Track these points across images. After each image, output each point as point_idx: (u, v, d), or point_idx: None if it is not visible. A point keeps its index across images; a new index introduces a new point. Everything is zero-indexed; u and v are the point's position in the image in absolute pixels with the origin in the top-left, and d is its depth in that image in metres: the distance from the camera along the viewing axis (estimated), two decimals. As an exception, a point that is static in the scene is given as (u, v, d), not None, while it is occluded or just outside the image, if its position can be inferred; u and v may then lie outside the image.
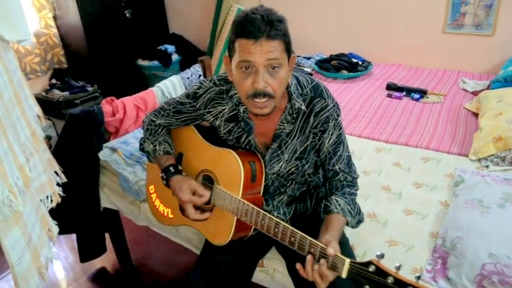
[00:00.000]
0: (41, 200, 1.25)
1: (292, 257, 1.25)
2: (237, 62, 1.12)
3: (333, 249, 0.99)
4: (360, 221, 1.32)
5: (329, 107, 1.25)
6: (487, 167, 1.86)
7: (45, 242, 1.18)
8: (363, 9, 3.43)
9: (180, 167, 1.39)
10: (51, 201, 1.33)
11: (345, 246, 1.34)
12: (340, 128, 1.30)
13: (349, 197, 1.29)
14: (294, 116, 1.26)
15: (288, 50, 1.13)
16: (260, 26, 1.06)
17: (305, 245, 1.05)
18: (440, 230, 1.46)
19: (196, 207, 1.32)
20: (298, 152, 1.31)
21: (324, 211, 1.26)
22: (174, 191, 1.33)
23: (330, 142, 1.28)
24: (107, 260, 2.35)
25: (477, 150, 1.92)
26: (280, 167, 1.32)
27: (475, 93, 2.64)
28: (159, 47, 4.05)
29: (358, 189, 1.35)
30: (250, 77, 1.11)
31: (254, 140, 1.31)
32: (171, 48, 4.09)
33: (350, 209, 1.26)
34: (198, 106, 1.35)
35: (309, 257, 1.04)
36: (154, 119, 1.46)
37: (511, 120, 1.92)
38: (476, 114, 2.32)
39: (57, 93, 3.38)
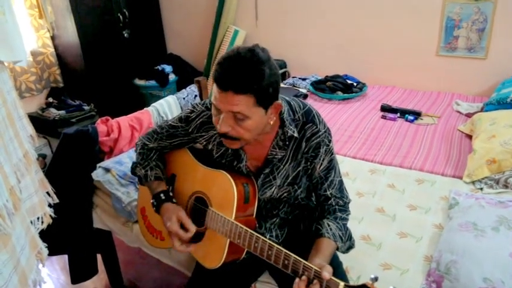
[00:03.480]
0: (31, 222, 1.23)
1: (285, 281, 1.23)
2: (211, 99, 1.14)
3: (328, 273, 0.99)
4: (350, 247, 1.31)
5: (320, 133, 1.25)
6: (481, 189, 1.86)
7: (34, 265, 1.16)
8: (358, 32, 3.48)
9: (171, 194, 1.38)
10: (42, 222, 1.32)
11: (338, 270, 1.33)
12: (332, 154, 1.29)
13: (340, 222, 1.28)
14: (286, 142, 1.26)
15: (263, 102, 1.10)
16: (229, 79, 1.05)
17: (299, 268, 1.04)
18: (435, 253, 1.45)
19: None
20: (290, 178, 1.30)
21: (314, 234, 1.25)
22: (163, 219, 1.32)
23: (322, 167, 1.28)
24: (99, 281, 2.32)
25: (471, 172, 1.92)
26: (272, 192, 1.32)
27: (468, 115, 2.66)
28: (156, 67, 4.08)
29: (349, 214, 1.34)
30: (218, 116, 1.13)
31: (245, 167, 1.30)
32: (168, 68, 4.11)
33: (341, 235, 1.25)
34: (190, 130, 1.35)
35: (303, 277, 1.03)
36: (147, 143, 1.46)
37: (504, 143, 1.92)
38: (470, 136, 2.34)
39: (53, 112, 3.38)
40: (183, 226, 1.28)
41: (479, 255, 1.32)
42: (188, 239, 1.28)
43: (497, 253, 1.31)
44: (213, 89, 1.11)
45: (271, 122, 1.19)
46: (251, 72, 1.05)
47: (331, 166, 1.30)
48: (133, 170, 1.48)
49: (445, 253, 1.39)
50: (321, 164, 1.28)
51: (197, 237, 1.32)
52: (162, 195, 1.36)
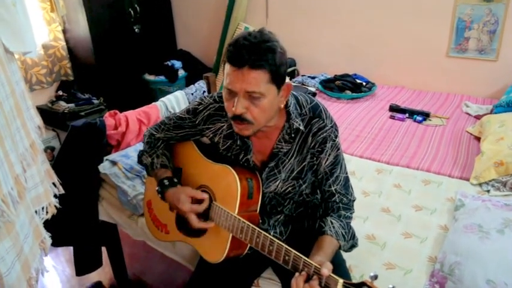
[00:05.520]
0: (36, 212, 1.24)
1: (288, 278, 1.23)
2: (223, 85, 1.14)
3: (327, 270, 0.99)
4: (353, 246, 1.31)
5: (327, 128, 1.25)
6: (488, 191, 1.84)
7: (37, 254, 1.17)
8: (368, 31, 3.46)
9: (175, 180, 1.38)
10: (47, 212, 1.33)
11: (341, 268, 1.32)
12: (338, 149, 1.29)
13: (344, 220, 1.27)
14: (292, 135, 1.26)
15: (276, 80, 1.11)
16: (244, 54, 1.06)
17: (299, 264, 1.05)
18: (439, 254, 1.44)
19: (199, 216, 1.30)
20: (295, 172, 1.30)
21: (317, 231, 1.25)
22: (172, 204, 1.32)
23: (327, 163, 1.28)
24: (104, 274, 2.33)
25: (478, 174, 1.90)
26: (277, 186, 1.31)
27: (477, 117, 2.64)
28: (166, 63, 4.09)
29: (353, 212, 1.33)
30: (232, 100, 1.13)
31: (252, 158, 1.30)
32: (178, 64, 4.12)
33: (344, 233, 1.24)
34: (197, 122, 1.36)
35: (302, 273, 1.03)
36: (155, 133, 1.47)
37: (512, 145, 1.91)
38: (478, 138, 2.31)
39: (63, 105, 3.41)
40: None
41: (484, 257, 1.31)
42: (204, 209, 1.28)
43: (501, 255, 1.30)
44: (225, 72, 1.11)
45: (282, 106, 1.20)
46: (265, 46, 1.07)
47: (337, 161, 1.29)
48: (139, 158, 1.49)
49: (449, 254, 1.38)
50: (327, 159, 1.27)
51: (200, 232, 1.33)
52: (165, 181, 1.36)
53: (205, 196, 1.29)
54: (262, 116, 1.14)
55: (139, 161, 1.50)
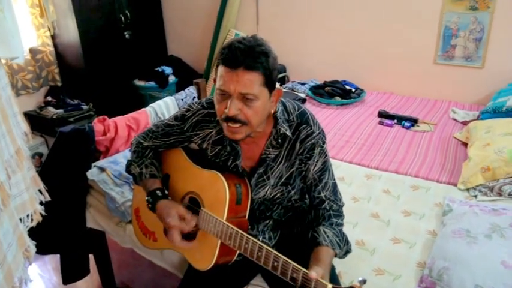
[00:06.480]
0: (20, 219, 1.22)
1: (278, 284, 1.23)
2: (216, 87, 1.14)
3: (315, 273, 0.98)
4: (347, 252, 1.30)
5: (314, 134, 1.26)
6: (476, 196, 1.86)
7: (21, 263, 1.14)
8: (357, 38, 3.49)
9: (166, 192, 1.38)
10: (32, 220, 1.31)
11: (331, 274, 1.32)
12: (326, 156, 1.30)
13: (336, 227, 1.28)
14: (279, 141, 1.26)
15: (269, 83, 1.13)
16: (239, 56, 1.07)
17: (288, 269, 1.04)
18: (428, 259, 1.45)
19: (182, 234, 1.29)
20: (284, 178, 1.30)
21: (311, 242, 1.24)
22: (161, 216, 1.30)
23: (315, 169, 1.28)
24: (91, 282, 2.30)
25: (466, 179, 1.92)
26: (266, 192, 1.31)
27: (464, 123, 2.67)
28: (156, 68, 4.08)
29: (344, 218, 1.33)
30: (225, 102, 1.13)
31: (241, 164, 1.30)
32: (168, 69, 4.12)
33: (338, 241, 1.24)
34: (185, 128, 1.35)
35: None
36: (142, 141, 1.46)
37: (498, 151, 1.93)
38: (465, 144, 2.33)
39: (52, 111, 3.38)
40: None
41: (472, 262, 1.31)
42: (189, 230, 1.28)
43: (488, 260, 1.31)
44: (218, 74, 1.12)
45: (272, 111, 1.21)
46: (260, 50, 1.10)
47: (325, 168, 1.29)
48: (127, 168, 1.48)
49: (438, 259, 1.39)
50: (315, 165, 1.28)
51: (189, 238, 1.31)
52: (158, 192, 1.35)
53: (193, 222, 1.27)
54: (255, 118, 1.15)
55: (128, 170, 1.48)
